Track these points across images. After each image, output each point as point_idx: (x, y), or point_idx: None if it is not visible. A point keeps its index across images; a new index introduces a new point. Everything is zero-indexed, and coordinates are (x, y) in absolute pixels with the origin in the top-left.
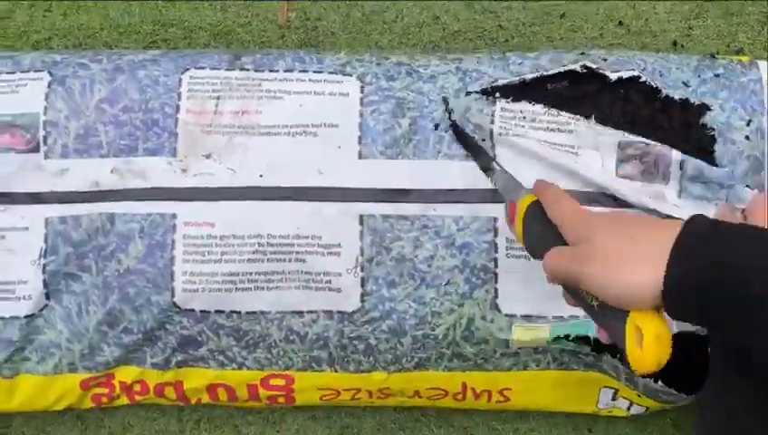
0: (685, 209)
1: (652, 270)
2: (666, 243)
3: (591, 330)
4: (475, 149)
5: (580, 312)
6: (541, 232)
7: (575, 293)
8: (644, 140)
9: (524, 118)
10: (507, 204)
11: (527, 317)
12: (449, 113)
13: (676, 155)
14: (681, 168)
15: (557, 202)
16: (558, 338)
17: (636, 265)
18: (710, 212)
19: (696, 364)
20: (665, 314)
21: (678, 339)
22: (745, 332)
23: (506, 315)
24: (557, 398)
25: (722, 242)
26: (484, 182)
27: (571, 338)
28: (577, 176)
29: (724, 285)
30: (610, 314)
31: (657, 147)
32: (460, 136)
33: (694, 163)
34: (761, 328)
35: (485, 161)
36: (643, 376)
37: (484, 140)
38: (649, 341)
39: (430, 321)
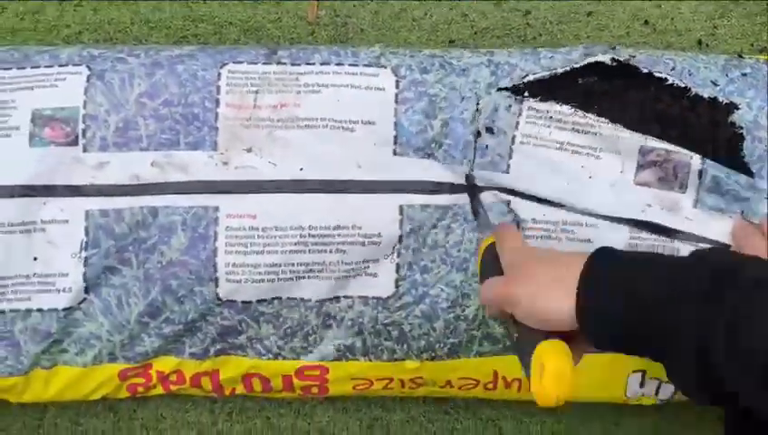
0: (697, 222)
1: (566, 295)
2: (578, 270)
3: None
4: (473, 205)
5: None
6: (490, 268)
7: (505, 324)
8: (666, 146)
9: (551, 118)
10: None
11: None
12: (477, 116)
13: (696, 164)
14: (700, 177)
15: (504, 240)
16: None
17: (554, 291)
18: (724, 225)
19: None
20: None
21: None
22: (661, 359)
23: None
24: (586, 384)
25: (624, 270)
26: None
27: None
28: (587, 198)
29: (628, 314)
30: (526, 346)
31: (679, 154)
32: (472, 195)
33: (713, 174)
34: (673, 356)
35: (482, 219)
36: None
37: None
38: (549, 376)
39: (461, 303)
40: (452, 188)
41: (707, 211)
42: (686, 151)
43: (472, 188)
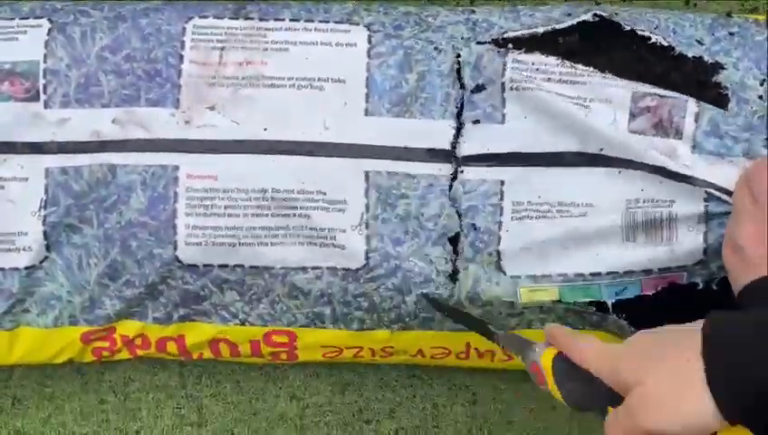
0: (698, 167)
1: (699, 398)
2: (697, 362)
3: (604, 295)
4: (467, 320)
5: (584, 269)
6: (579, 386)
7: None
8: (659, 91)
9: (537, 69)
10: (528, 365)
11: (532, 277)
12: (459, 66)
13: (692, 107)
14: (696, 120)
15: (576, 349)
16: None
17: (685, 401)
18: (724, 169)
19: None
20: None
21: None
22: None
23: (511, 277)
24: None
25: (750, 345)
26: (495, 145)
27: (580, 303)
28: (585, 133)
29: None
30: None
31: (673, 98)
32: (448, 310)
33: (710, 116)
34: None
35: (482, 328)
36: None
37: (493, 92)
38: None
39: (434, 279)
40: (426, 155)
41: (706, 156)
42: (680, 96)
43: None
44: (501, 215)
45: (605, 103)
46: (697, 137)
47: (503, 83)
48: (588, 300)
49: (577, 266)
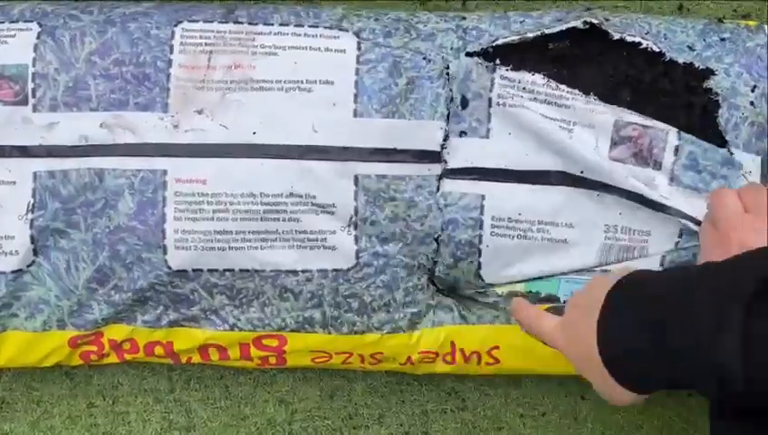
0: (674, 199)
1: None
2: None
3: (560, 290)
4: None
5: (554, 268)
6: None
7: None
8: (641, 120)
9: (524, 88)
10: None
11: (509, 283)
12: (448, 79)
13: (672, 139)
14: (676, 153)
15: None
16: (530, 292)
17: (582, 337)
18: (700, 205)
19: None
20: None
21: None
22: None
23: (489, 284)
24: (548, 358)
25: (644, 298)
26: (478, 159)
27: (541, 296)
28: (568, 155)
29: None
30: None
31: (654, 129)
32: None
33: (689, 150)
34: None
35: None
36: None
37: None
38: None
39: (417, 272)
40: (415, 156)
41: (683, 189)
42: (662, 126)
43: None
44: (480, 229)
45: (588, 128)
46: (676, 170)
47: (489, 99)
48: (546, 293)
49: (547, 270)
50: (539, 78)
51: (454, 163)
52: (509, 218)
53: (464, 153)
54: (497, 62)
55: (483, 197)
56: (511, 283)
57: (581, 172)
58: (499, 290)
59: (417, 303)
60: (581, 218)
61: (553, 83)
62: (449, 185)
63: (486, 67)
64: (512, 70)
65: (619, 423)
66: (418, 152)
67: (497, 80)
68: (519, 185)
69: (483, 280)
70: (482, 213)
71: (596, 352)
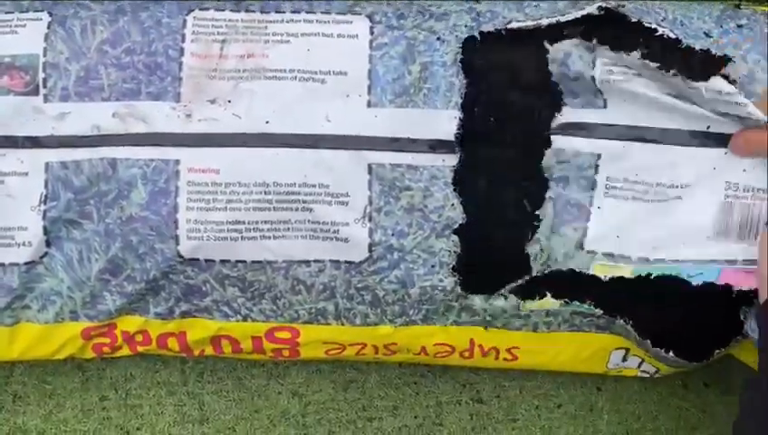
0: None
1: None
2: None
3: (683, 272)
4: None
5: (666, 256)
6: None
7: None
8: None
9: (625, 66)
10: None
11: (609, 255)
12: (462, 58)
13: None
14: None
15: None
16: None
17: None
18: None
19: (708, 333)
20: None
21: (687, 307)
22: None
23: (587, 252)
24: (566, 360)
25: None
26: (593, 116)
27: (654, 277)
28: (689, 112)
29: None
30: None
31: None
32: None
33: None
34: None
35: None
36: None
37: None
38: None
39: (439, 271)
40: (430, 146)
41: None
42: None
43: None
44: (593, 190)
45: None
46: None
47: (592, 76)
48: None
49: (659, 253)
50: (635, 54)
51: (567, 118)
52: (625, 179)
53: (576, 113)
54: (595, 42)
55: (598, 156)
56: (614, 268)
57: (708, 127)
58: (533, 306)
59: (435, 302)
60: (702, 177)
61: (649, 63)
62: (562, 142)
63: (585, 47)
64: (609, 49)
65: (635, 414)
66: (434, 142)
67: (597, 61)
68: (637, 143)
69: (582, 247)
70: (596, 172)
71: None
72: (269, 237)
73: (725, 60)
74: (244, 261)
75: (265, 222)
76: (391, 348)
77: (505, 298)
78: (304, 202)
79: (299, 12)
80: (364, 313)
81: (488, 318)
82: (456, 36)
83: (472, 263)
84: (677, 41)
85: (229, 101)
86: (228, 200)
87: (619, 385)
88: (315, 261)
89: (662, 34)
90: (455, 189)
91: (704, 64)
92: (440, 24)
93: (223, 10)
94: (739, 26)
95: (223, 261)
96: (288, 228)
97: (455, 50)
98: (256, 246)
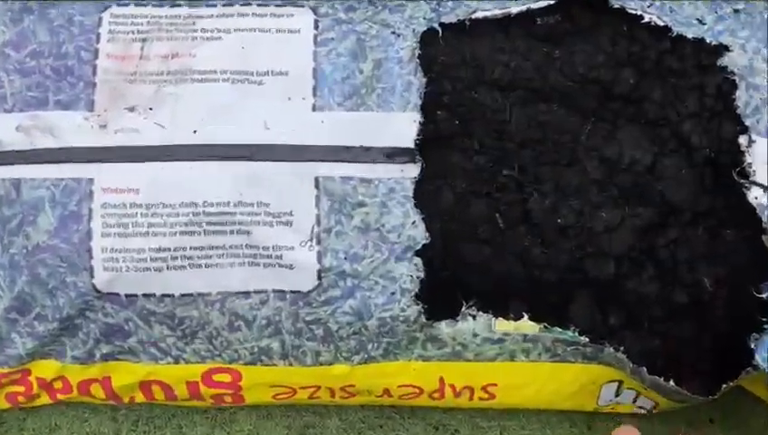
0: None
1: None
2: None
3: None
4: None
5: None
6: None
7: None
8: None
9: None
10: None
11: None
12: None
13: None
14: None
15: None
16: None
17: None
18: None
19: (715, 365)
20: None
21: (695, 339)
22: None
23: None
24: (550, 396)
25: None
26: None
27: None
28: None
29: None
30: None
31: None
32: None
33: None
34: None
35: None
36: None
37: None
38: None
39: (400, 299)
40: (387, 154)
41: None
42: None
43: None
44: None
45: None
46: None
47: None
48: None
49: None
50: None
51: None
52: None
53: None
54: None
55: None
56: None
57: None
58: (507, 328)
59: (397, 334)
60: None
61: None
62: None
63: None
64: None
65: None
66: (389, 150)
67: None
68: None
69: None
70: None
71: None
72: (200, 266)
73: (722, 49)
74: (172, 295)
75: (195, 248)
76: (349, 390)
77: (474, 318)
78: (240, 224)
79: (232, 4)
80: (315, 350)
81: (458, 348)
82: (414, 29)
83: (437, 289)
84: (667, 29)
85: (151, 109)
86: (150, 224)
87: (613, 423)
88: (256, 292)
89: (649, 22)
90: (416, 204)
91: (697, 55)
92: (395, 16)
93: (145, 5)
94: (736, 11)
95: (146, 295)
96: (222, 255)
97: (412, 44)
98: (185, 277)
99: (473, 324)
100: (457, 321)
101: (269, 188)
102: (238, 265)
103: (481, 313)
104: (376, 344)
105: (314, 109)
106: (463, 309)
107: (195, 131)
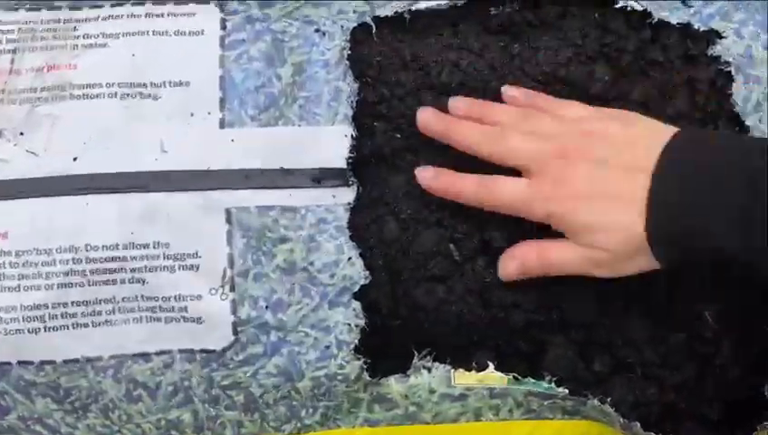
0: None
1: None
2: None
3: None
4: None
5: None
6: None
7: None
8: None
9: None
10: None
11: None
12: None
13: None
14: None
15: None
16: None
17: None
18: None
19: (723, 418)
20: None
21: (697, 386)
22: None
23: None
24: None
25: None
26: None
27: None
28: None
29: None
30: None
31: None
32: None
33: None
34: None
35: None
36: None
37: None
38: None
39: (337, 354)
40: (314, 178)
41: None
42: None
43: None
44: None
45: None
46: None
47: None
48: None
49: None
50: None
51: None
52: None
53: None
54: None
55: None
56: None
57: None
58: (469, 381)
59: (337, 395)
60: None
61: None
62: None
63: None
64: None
65: None
66: (316, 172)
67: None
68: None
69: None
70: None
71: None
72: (86, 325)
73: (713, 36)
74: (53, 361)
75: (78, 304)
76: None
77: (430, 371)
78: (133, 271)
79: (122, 4)
80: (237, 420)
81: (412, 409)
82: (342, 26)
83: (383, 338)
84: (646, 14)
85: (21, 134)
86: (22, 276)
87: None
88: (157, 353)
89: (624, 7)
90: (351, 237)
91: (684, 44)
92: (320, 11)
93: (16, 9)
94: None
95: (23, 363)
96: (113, 310)
97: (341, 44)
98: (68, 339)
99: (428, 379)
100: (409, 376)
101: (167, 225)
102: (133, 321)
103: (437, 364)
104: (311, 410)
105: (222, 125)
106: (415, 361)
107: (75, 159)
